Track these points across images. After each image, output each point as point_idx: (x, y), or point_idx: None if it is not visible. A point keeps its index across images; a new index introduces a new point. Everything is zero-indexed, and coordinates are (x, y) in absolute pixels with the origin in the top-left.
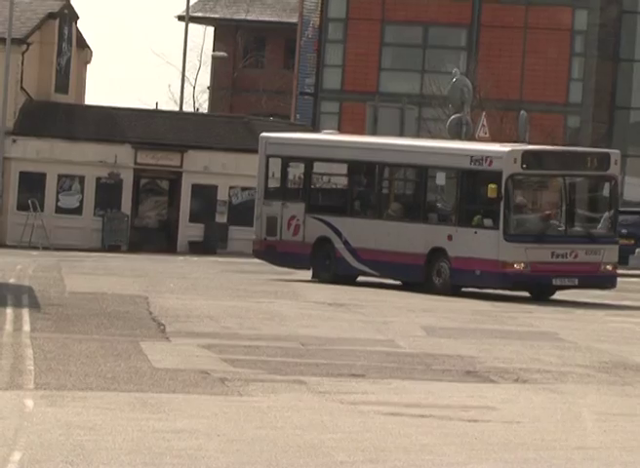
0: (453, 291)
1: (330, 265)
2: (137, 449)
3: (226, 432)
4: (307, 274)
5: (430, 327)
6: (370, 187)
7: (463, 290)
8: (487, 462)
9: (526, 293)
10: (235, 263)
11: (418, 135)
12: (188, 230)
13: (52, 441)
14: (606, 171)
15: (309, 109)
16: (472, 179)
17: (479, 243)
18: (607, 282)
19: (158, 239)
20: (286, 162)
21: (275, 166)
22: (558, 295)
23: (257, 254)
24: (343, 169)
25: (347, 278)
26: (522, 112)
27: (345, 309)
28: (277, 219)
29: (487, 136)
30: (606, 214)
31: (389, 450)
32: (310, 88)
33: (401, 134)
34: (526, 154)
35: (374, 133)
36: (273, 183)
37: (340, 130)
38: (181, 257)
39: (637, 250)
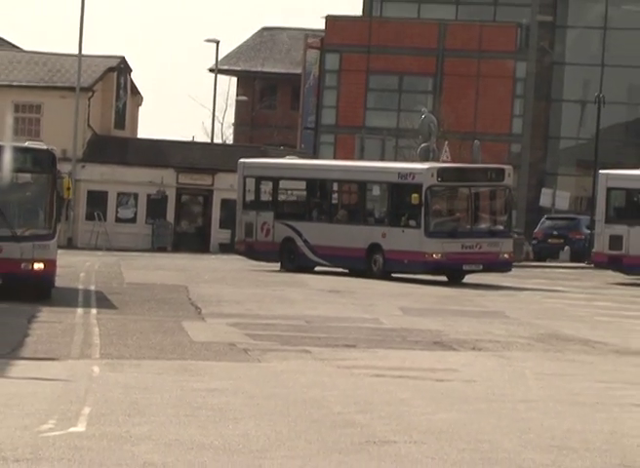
0: (386, 276)
1: (294, 259)
2: (179, 404)
3: (249, 390)
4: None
5: (406, 307)
6: (322, 198)
7: (393, 275)
8: (450, 412)
9: (444, 277)
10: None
11: (395, 159)
12: (219, 234)
13: (113, 398)
14: (502, 182)
15: (311, 140)
16: (400, 190)
17: (406, 239)
18: (505, 267)
19: (195, 241)
20: (259, 181)
21: (250, 184)
22: (504, 282)
23: (238, 252)
24: (302, 185)
25: (307, 268)
26: (476, 141)
27: (340, 295)
28: (253, 225)
29: (449, 159)
30: (502, 216)
31: (375, 403)
32: (312, 123)
33: (382, 159)
34: (440, 170)
35: (361, 158)
36: (249, 197)
37: (335, 156)
38: (213, 256)
39: (566, 247)
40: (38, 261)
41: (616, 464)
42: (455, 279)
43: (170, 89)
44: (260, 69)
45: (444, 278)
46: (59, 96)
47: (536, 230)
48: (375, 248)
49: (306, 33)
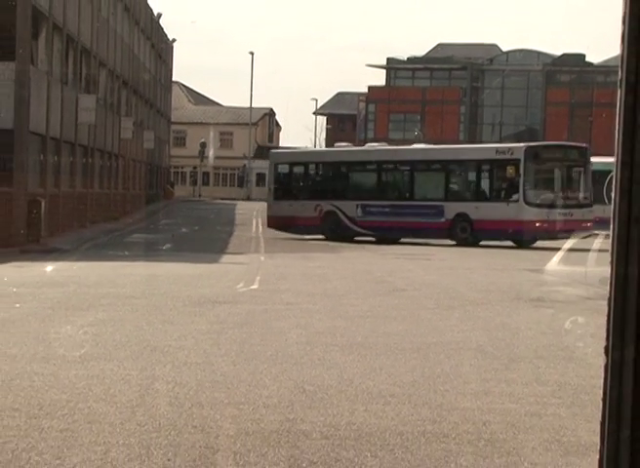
0: None
1: None
2: (302, 273)
3: (335, 266)
4: None
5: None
6: None
7: None
8: (433, 275)
9: None
10: None
11: None
12: None
13: (270, 272)
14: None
15: None
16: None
17: None
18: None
19: None
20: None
21: None
22: None
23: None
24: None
25: None
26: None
27: None
28: None
29: None
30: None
31: (396, 271)
32: (362, 137)
33: None
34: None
35: None
36: None
37: None
38: None
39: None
40: (586, 222)
41: (513, 297)
42: None
43: (294, 123)
44: (337, 112)
45: None
46: (241, 128)
47: None
48: None
49: (359, 94)
